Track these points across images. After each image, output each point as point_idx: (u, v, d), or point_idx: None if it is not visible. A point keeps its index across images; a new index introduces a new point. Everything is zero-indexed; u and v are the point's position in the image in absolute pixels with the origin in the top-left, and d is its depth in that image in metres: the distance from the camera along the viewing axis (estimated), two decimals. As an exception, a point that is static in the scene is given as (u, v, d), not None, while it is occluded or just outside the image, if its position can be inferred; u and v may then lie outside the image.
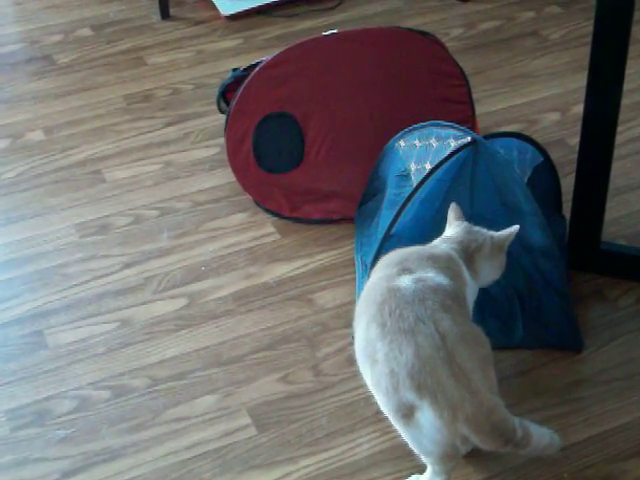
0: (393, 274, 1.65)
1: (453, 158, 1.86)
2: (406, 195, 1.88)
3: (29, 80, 2.77)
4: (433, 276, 1.64)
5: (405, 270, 1.65)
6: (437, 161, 1.86)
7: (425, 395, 1.53)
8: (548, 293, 1.91)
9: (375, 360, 1.58)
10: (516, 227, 1.75)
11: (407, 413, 1.56)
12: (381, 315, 1.59)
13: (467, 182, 1.88)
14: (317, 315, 2.04)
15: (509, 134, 2.02)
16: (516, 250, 1.88)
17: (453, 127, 1.94)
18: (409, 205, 1.88)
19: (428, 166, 1.89)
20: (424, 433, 1.56)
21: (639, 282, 2.06)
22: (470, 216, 1.88)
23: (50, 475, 1.77)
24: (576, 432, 1.79)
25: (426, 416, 1.54)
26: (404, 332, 1.56)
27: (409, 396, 1.54)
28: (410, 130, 2.02)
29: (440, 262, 1.68)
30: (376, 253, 1.89)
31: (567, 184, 2.07)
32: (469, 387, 1.53)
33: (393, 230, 1.89)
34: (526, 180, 1.91)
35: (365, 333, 1.61)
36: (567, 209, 2.06)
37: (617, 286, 2.06)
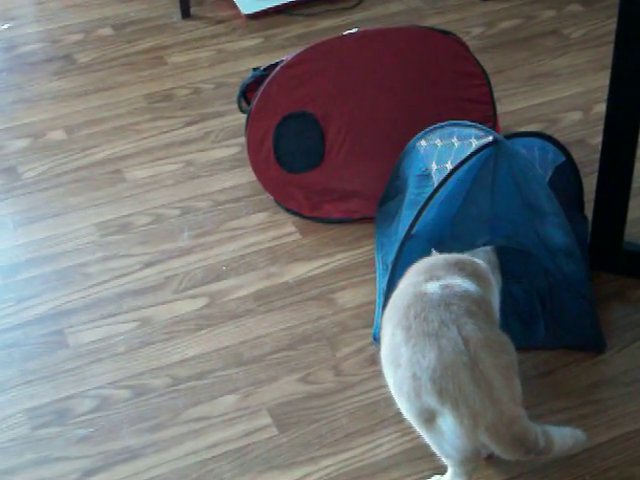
0: (420, 281, 1.65)
1: (474, 158, 1.85)
2: (427, 195, 1.88)
3: (49, 79, 2.77)
4: (460, 282, 1.64)
5: (433, 277, 1.65)
6: (458, 161, 1.85)
7: (446, 401, 1.53)
8: (570, 294, 1.90)
9: (398, 364, 1.58)
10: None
11: (429, 418, 1.55)
12: (406, 319, 1.59)
13: (488, 182, 1.87)
14: (337, 315, 2.03)
15: (530, 134, 2.01)
16: (538, 251, 1.88)
17: (474, 127, 1.93)
18: (430, 205, 1.87)
19: (449, 166, 1.88)
20: (445, 438, 1.56)
21: (662, 283, 2.05)
22: (491, 217, 1.87)
23: (70, 474, 1.77)
24: (598, 434, 1.78)
25: (447, 422, 1.54)
26: (428, 335, 1.56)
27: (430, 401, 1.54)
28: (431, 130, 2.02)
29: (467, 269, 1.68)
30: (397, 253, 1.88)
31: (589, 184, 2.06)
32: (491, 395, 1.52)
33: (414, 230, 1.88)
34: (547, 180, 1.90)
35: (391, 340, 1.61)
36: (589, 209, 2.05)
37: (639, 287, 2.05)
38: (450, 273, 1.66)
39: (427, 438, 1.60)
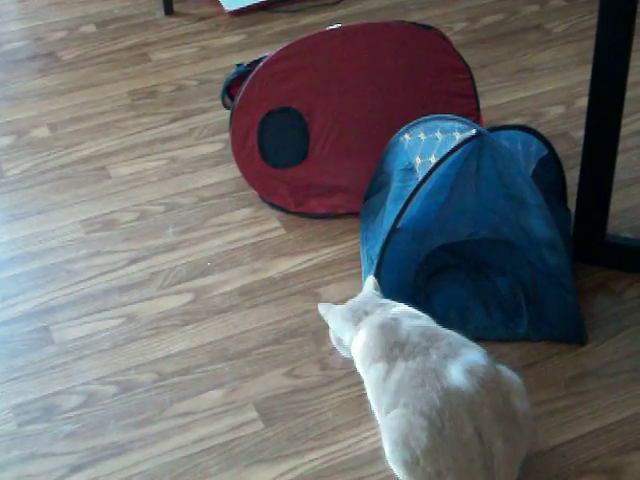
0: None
1: (458, 151, 1.86)
2: (411, 189, 1.88)
3: (33, 77, 2.77)
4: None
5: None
6: (442, 154, 1.86)
7: None
8: (553, 286, 1.91)
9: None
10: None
11: None
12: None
13: (472, 175, 1.88)
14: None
15: (513, 127, 2.02)
16: (522, 242, 1.89)
17: (458, 120, 1.94)
18: (414, 199, 1.88)
19: (433, 159, 1.89)
20: None
21: (644, 275, 2.06)
22: (475, 209, 1.88)
23: (57, 470, 1.77)
24: (582, 424, 1.79)
25: None
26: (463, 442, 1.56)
27: None
28: (415, 124, 2.02)
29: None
30: (383, 247, 1.89)
31: (572, 177, 2.07)
32: None
33: (399, 224, 1.89)
34: (531, 173, 1.92)
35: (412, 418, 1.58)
36: (572, 202, 2.06)
37: (622, 279, 2.06)
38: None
39: None
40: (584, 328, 1.93)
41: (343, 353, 1.77)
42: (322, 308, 1.79)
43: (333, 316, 1.75)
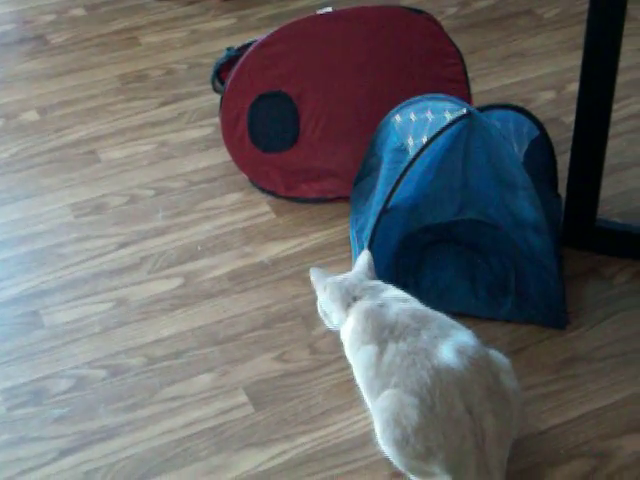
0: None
1: (448, 130, 1.85)
2: (401, 169, 1.88)
3: (22, 60, 2.76)
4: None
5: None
6: (433, 134, 1.86)
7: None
8: (536, 268, 1.91)
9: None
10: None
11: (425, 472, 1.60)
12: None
13: (460, 155, 1.88)
14: (312, 294, 2.01)
15: (505, 106, 2.02)
16: (507, 224, 1.89)
17: (448, 100, 1.94)
18: (405, 179, 1.88)
19: (425, 140, 1.89)
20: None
21: (634, 260, 2.06)
22: (463, 189, 1.88)
23: (46, 454, 1.77)
24: (572, 409, 1.79)
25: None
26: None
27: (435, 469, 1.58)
28: (405, 105, 2.02)
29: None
30: (374, 227, 1.89)
31: (563, 162, 2.07)
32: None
33: (390, 204, 1.89)
34: (524, 153, 1.92)
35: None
36: (563, 187, 2.06)
37: (612, 264, 2.06)
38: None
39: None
40: (565, 312, 1.93)
41: (328, 325, 1.78)
42: (314, 274, 1.78)
43: (322, 290, 1.76)
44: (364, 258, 1.78)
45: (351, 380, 1.82)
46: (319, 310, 1.78)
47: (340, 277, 1.76)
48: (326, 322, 1.78)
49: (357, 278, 1.75)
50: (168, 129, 2.49)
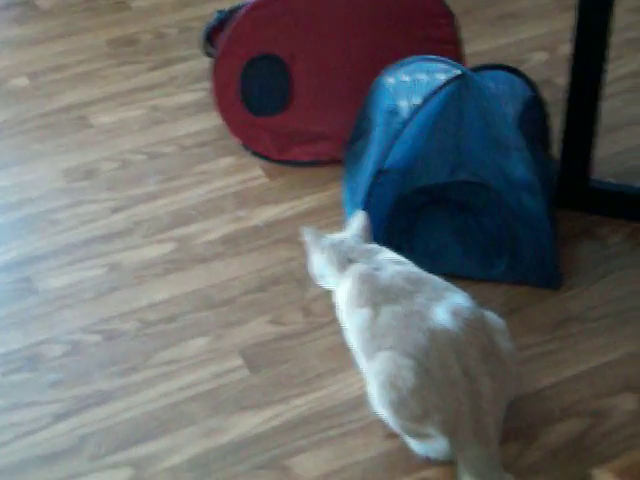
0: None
1: (442, 91, 1.84)
2: (395, 131, 1.87)
3: (10, 26, 2.74)
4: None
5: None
6: (426, 95, 1.85)
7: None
8: (529, 229, 1.91)
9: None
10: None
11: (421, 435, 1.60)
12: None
13: (454, 116, 1.87)
14: (306, 256, 2.03)
15: (498, 66, 2.01)
16: (500, 185, 1.88)
17: (442, 61, 1.93)
18: (399, 140, 1.87)
19: (418, 101, 1.88)
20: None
21: (628, 220, 2.06)
22: (456, 150, 1.87)
23: (42, 419, 1.77)
24: (567, 368, 1.80)
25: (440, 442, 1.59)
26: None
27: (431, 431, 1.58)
28: (398, 66, 2.01)
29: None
30: (369, 189, 1.88)
31: (556, 123, 2.06)
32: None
33: (384, 165, 1.88)
34: (519, 113, 1.91)
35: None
36: (556, 148, 2.05)
37: (606, 224, 2.06)
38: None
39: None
40: (559, 273, 1.93)
41: (322, 284, 1.77)
42: (308, 234, 1.77)
43: (320, 252, 1.75)
44: (360, 220, 1.78)
45: (345, 343, 1.82)
46: (312, 269, 1.77)
47: (337, 239, 1.75)
48: (320, 281, 1.77)
49: (353, 240, 1.74)
50: (159, 93, 2.48)
